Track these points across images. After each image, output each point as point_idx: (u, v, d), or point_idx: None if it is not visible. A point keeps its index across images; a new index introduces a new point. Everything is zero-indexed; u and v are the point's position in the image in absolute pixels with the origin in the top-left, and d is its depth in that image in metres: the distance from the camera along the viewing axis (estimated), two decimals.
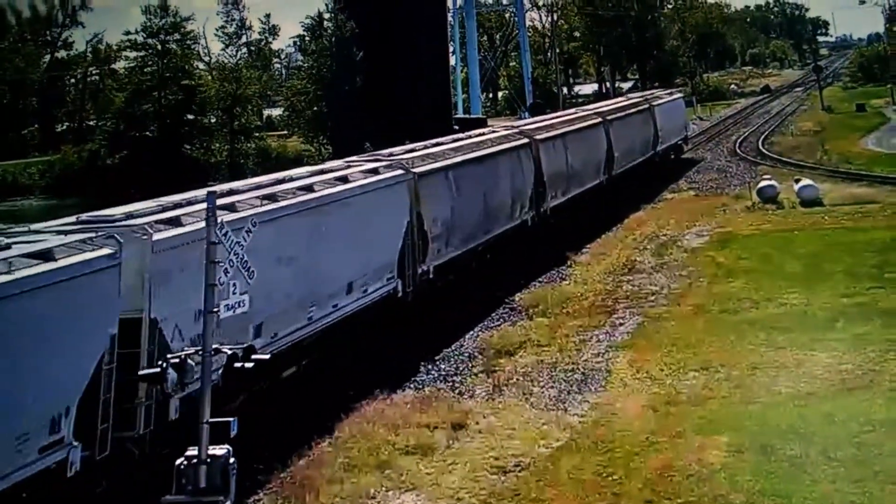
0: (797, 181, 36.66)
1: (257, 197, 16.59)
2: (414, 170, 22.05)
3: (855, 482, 12.31)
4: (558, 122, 35.59)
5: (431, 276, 22.26)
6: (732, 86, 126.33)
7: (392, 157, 22.92)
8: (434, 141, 27.61)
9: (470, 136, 29.29)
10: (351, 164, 22.11)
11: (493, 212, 26.62)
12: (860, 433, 13.83)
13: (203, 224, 12.45)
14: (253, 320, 14.85)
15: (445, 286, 23.14)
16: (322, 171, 20.48)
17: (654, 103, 47.66)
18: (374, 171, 20.91)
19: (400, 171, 21.51)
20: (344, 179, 19.52)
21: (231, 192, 16.62)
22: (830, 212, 32.60)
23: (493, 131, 31.24)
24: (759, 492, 12.26)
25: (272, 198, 16.77)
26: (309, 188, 18.04)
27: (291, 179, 18.89)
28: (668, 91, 58.76)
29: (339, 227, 17.96)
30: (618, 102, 47.95)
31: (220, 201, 14.33)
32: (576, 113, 39.69)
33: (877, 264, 23.91)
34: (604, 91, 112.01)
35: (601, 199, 36.51)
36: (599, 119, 38.26)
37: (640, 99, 48.87)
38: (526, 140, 30.05)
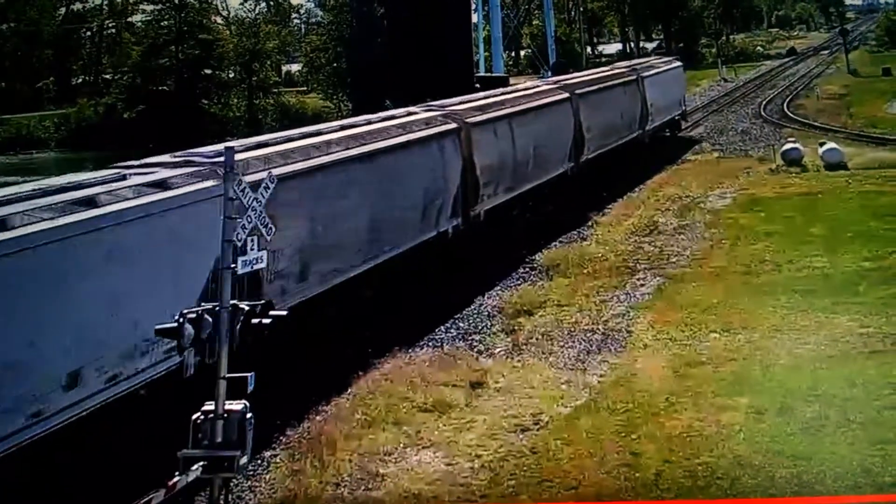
0: (822, 144, 36.40)
1: None
2: (245, 178, 13.72)
3: (874, 444, 12.22)
4: (505, 99, 28.10)
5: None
6: (758, 48, 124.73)
7: (210, 160, 14.89)
8: (312, 129, 20.07)
9: (370, 122, 21.24)
10: (131, 169, 14.43)
11: (387, 226, 19.11)
12: (881, 396, 13.72)
13: None
14: None
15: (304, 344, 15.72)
16: (64, 189, 12.77)
17: (644, 74, 40.86)
18: (161, 185, 13.65)
19: (210, 183, 13.85)
20: (90, 202, 12.30)
21: None
22: (855, 175, 32.38)
23: (410, 113, 23.47)
24: (779, 453, 12.16)
25: None
26: None
27: None
28: (665, 59, 51.88)
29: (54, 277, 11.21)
30: (595, 73, 41.08)
31: None
32: (535, 87, 32.74)
33: None
34: (628, 51, 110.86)
35: (564, 193, 29.66)
36: (565, 94, 31.20)
37: (627, 69, 41.85)
38: (453, 125, 22.83)
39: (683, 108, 49.13)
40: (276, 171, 14.42)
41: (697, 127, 50.93)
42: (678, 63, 50.27)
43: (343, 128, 20.36)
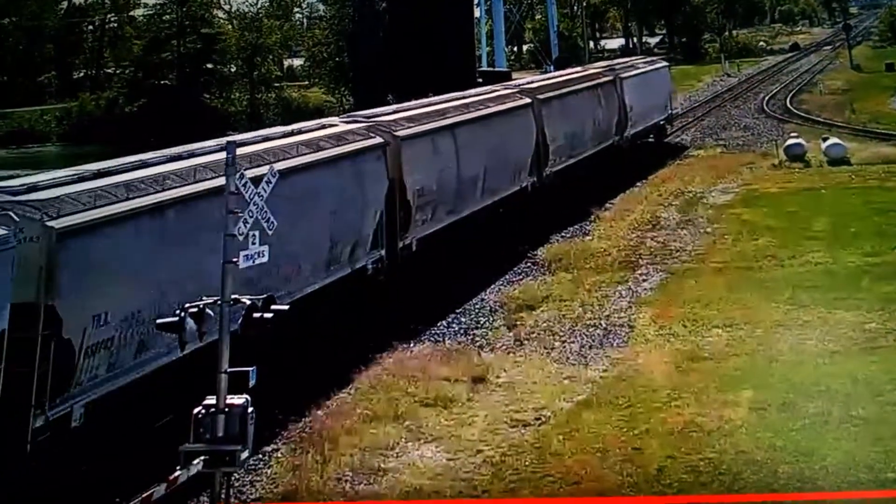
0: (825, 139, 36.34)
1: None
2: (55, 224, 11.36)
3: (877, 440, 12.21)
4: (450, 107, 23.98)
5: None
6: (761, 43, 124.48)
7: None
8: (183, 149, 15.22)
9: (266, 139, 17.18)
10: None
11: (274, 271, 14.17)
12: (884, 391, 13.71)
13: None
14: None
15: None
16: None
17: (623, 75, 37.03)
18: None
19: None
20: None
21: None
22: (858, 171, 32.43)
23: (325, 126, 19.54)
24: (781, 448, 12.15)
25: None
26: None
27: None
28: (648, 59, 48.43)
29: None
30: (565, 75, 36.61)
31: None
32: (490, 92, 28.23)
33: None
34: (630, 46, 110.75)
35: (524, 211, 25.89)
36: (526, 100, 27.36)
37: (604, 69, 38.06)
38: (376, 140, 19.13)
39: (670, 111, 44.87)
40: (99, 214, 12.02)
41: (702, 120, 50.85)
42: (663, 63, 46.49)
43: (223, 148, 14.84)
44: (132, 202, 12.57)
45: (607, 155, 34.26)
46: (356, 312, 17.67)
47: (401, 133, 20.19)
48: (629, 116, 36.52)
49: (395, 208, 19.41)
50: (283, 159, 15.60)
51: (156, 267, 12.56)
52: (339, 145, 17.90)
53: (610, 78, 35.83)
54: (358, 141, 18.73)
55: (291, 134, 17.91)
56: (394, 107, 23.76)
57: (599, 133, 33.62)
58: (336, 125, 19.73)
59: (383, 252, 18.92)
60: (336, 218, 17.09)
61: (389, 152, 19.36)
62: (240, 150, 13.39)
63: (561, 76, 35.88)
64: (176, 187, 13.30)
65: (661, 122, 43.08)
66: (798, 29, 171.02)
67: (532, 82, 31.98)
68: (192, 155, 14.75)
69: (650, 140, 41.92)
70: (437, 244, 20.95)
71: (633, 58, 52.46)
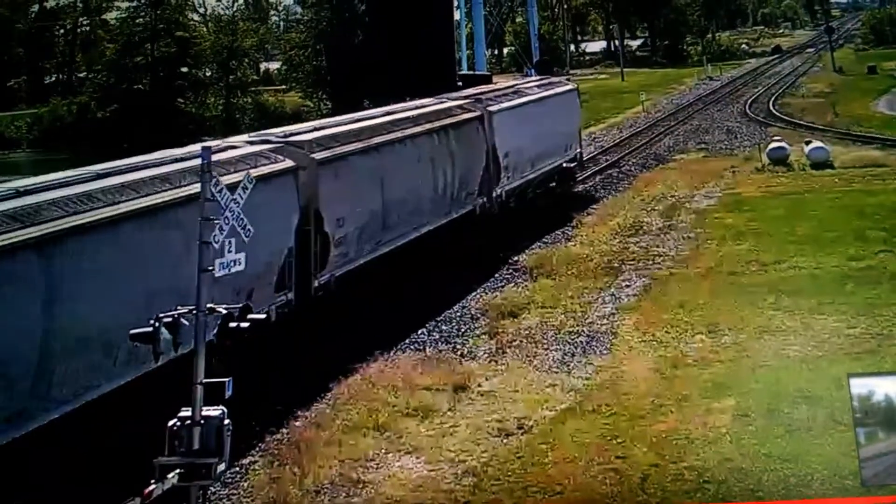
0: (807, 143, 36.46)
1: None
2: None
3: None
4: (104, 187, 12.73)
5: None
6: (743, 45, 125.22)
7: None
8: None
9: None
10: None
11: None
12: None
13: None
14: None
15: None
16: None
17: (495, 107, 26.11)
18: None
19: None
20: None
21: None
22: (841, 174, 32.56)
23: None
24: (766, 455, 12.08)
25: None
26: None
27: None
28: (545, 81, 35.08)
29: None
30: (391, 113, 23.01)
31: None
32: (230, 148, 16.23)
33: (886, 227, 23.69)
34: (612, 49, 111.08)
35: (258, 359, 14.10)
36: (285, 163, 16.28)
37: (467, 99, 26.41)
38: None
39: (578, 150, 33.46)
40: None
41: (684, 124, 50.89)
42: (569, 86, 34.42)
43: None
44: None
45: (464, 227, 23.63)
46: None
47: None
48: (503, 166, 26.07)
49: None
50: None
51: None
52: None
53: (474, 113, 25.04)
54: None
55: None
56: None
57: (446, 199, 22.74)
58: None
59: None
60: None
61: None
62: None
63: (376, 116, 22.55)
64: None
65: (565, 165, 31.91)
66: (780, 32, 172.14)
67: (316, 129, 19.65)
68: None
69: (552, 185, 31.36)
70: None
71: (527, 79, 40.12)
